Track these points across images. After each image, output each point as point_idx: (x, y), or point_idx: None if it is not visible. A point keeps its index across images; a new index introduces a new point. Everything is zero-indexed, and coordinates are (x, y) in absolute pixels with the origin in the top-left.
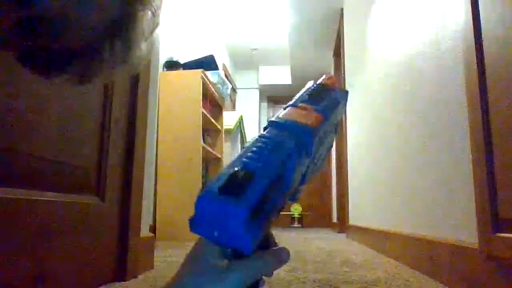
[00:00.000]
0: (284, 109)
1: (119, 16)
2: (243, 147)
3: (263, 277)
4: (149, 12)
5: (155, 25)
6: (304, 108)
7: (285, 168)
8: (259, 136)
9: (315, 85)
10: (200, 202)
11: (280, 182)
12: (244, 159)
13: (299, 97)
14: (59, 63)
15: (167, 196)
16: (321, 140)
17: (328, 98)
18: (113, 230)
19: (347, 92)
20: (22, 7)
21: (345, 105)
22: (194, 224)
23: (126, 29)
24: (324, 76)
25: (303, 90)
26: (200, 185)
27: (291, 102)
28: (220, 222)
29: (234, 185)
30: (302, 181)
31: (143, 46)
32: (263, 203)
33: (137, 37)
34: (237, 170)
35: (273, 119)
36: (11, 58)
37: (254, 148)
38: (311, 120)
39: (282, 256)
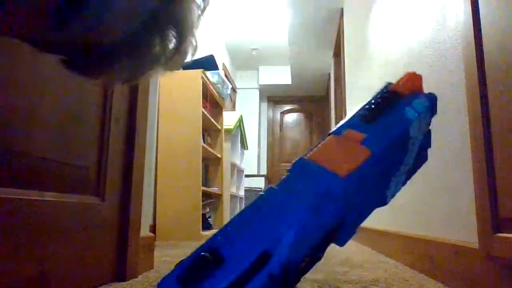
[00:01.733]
0: (329, 134)
1: (168, 2)
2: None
3: None
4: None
5: (204, 8)
6: (348, 139)
7: (275, 252)
8: (256, 199)
9: (380, 93)
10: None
11: (261, 267)
12: (218, 237)
13: (353, 116)
14: (107, 62)
15: (167, 196)
16: (375, 181)
17: (394, 115)
18: (113, 230)
19: (434, 97)
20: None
21: (431, 114)
22: None
23: (176, 17)
24: (402, 77)
25: (367, 100)
26: (200, 185)
27: (340, 124)
28: None
29: (196, 271)
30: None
31: (195, 32)
32: None
33: (188, 24)
34: (204, 254)
35: (302, 156)
36: (10, 58)
37: (237, 219)
38: (348, 163)
39: None
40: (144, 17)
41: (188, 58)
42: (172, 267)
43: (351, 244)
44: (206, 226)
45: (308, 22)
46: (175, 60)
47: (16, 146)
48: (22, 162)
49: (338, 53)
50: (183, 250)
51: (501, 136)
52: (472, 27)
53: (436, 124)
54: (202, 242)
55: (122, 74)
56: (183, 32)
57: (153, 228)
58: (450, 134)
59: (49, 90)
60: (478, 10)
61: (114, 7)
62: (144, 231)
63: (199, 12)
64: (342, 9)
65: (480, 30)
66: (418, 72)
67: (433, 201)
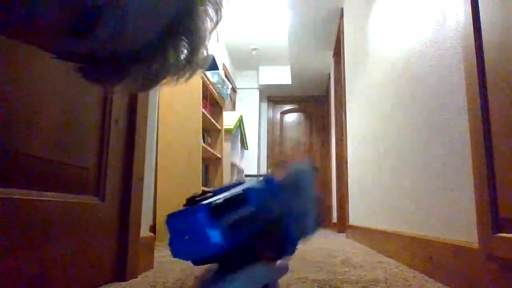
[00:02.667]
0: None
1: (182, 14)
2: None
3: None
4: (212, 9)
5: (217, 21)
6: None
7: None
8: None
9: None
10: (169, 218)
11: (243, 201)
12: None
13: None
14: (122, 71)
15: (167, 196)
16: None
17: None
18: (113, 230)
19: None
20: (77, 6)
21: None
22: (170, 242)
23: (190, 28)
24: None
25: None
26: (200, 185)
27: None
28: (187, 227)
29: (196, 201)
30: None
31: (207, 44)
32: (226, 206)
33: (201, 36)
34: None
35: None
36: (11, 59)
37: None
38: None
39: (280, 266)
40: (158, 29)
41: (200, 69)
42: (172, 267)
43: (351, 244)
44: None
45: (308, 22)
46: (186, 70)
47: (16, 147)
48: (22, 163)
49: (338, 53)
50: None
51: (501, 136)
52: (472, 27)
53: (436, 124)
54: None
55: (136, 83)
56: (196, 43)
57: (153, 228)
58: (450, 134)
59: (49, 91)
60: (478, 10)
61: (129, 21)
62: (144, 231)
63: (212, 25)
64: (342, 9)
65: (480, 30)
66: (417, 72)
67: (433, 201)
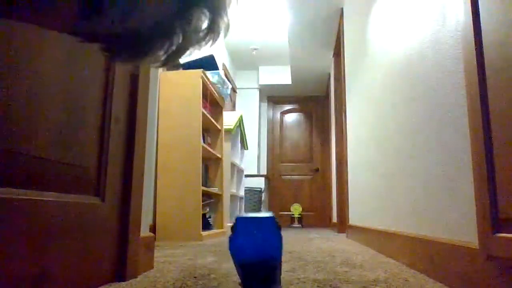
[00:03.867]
0: None
1: None
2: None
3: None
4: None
5: None
6: None
7: None
8: None
9: None
10: (240, 219)
11: None
12: None
13: None
14: (143, 45)
15: (167, 196)
16: None
17: None
18: (113, 230)
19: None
20: None
21: None
22: (235, 241)
23: None
24: None
25: None
26: (200, 185)
27: None
28: (258, 230)
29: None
30: None
31: (228, 10)
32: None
33: (221, 2)
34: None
35: None
36: (11, 59)
37: None
38: None
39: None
40: (173, 2)
41: (221, 37)
42: (172, 267)
43: (351, 244)
44: (206, 226)
45: (308, 22)
46: (208, 39)
47: (16, 146)
48: (22, 162)
49: (338, 53)
50: (184, 250)
51: (501, 136)
52: (472, 27)
53: (436, 124)
54: (202, 242)
55: (159, 57)
56: (216, 11)
57: (153, 228)
58: (450, 134)
59: (49, 91)
60: (478, 10)
61: None
62: (144, 231)
63: None
64: (342, 9)
65: (480, 30)
66: (417, 72)
67: (433, 202)
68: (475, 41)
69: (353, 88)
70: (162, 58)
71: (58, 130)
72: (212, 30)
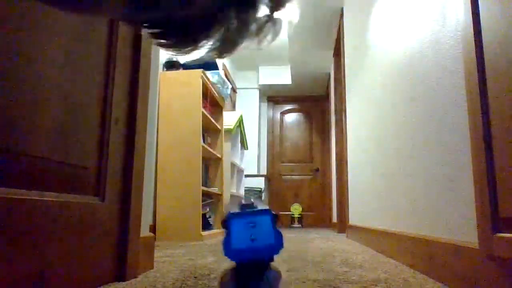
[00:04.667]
0: None
1: None
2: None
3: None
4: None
5: None
6: None
7: None
8: None
9: None
10: (231, 217)
11: None
12: None
13: None
14: (197, 33)
15: (167, 196)
16: None
17: None
18: (113, 230)
19: None
20: None
21: None
22: (228, 241)
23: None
24: None
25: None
26: (200, 185)
27: None
28: (254, 227)
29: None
30: None
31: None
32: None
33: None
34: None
35: None
36: (11, 58)
37: None
38: None
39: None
40: None
41: (280, 30)
42: (172, 267)
43: (351, 244)
44: (206, 226)
45: (308, 22)
46: (267, 30)
47: (16, 146)
48: (22, 162)
49: (338, 53)
50: (184, 250)
51: (501, 136)
52: (472, 27)
53: (436, 124)
54: (202, 242)
55: (215, 46)
56: (276, 2)
57: (153, 228)
58: (450, 134)
59: (50, 91)
60: (478, 10)
61: None
62: (144, 231)
63: None
64: (342, 9)
65: (480, 30)
66: (418, 72)
67: (433, 201)
68: (475, 41)
69: (353, 88)
70: (217, 47)
71: (58, 130)
72: (272, 22)
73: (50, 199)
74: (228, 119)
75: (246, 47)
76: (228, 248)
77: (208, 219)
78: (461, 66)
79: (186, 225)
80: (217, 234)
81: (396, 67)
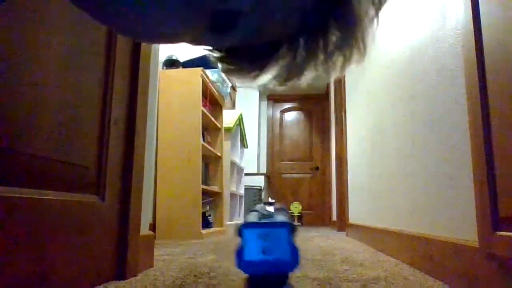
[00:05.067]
0: None
1: (335, 5)
2: None
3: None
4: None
5: (381, 4)
6: None
7: None
8: None
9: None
10: (245, 227)
11: None
12: None
13: None
14: (263, 59)
15: (167, 195)
16: None
17: None
18: (113, 229)
19: None
20: (220, 1)
21: None
22: (242, 252)
23: (342, 13)
24: None
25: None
26: (200, 183)
27: None
28: (270, 239)
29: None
30: None
31: (366, 29)
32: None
33: (355, 26)
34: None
35: None
36: (11, 59)
37: None
38: None
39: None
40: (300, 20)
41: (354, 62)
42: (172, 266)
43: (351, 242)
44: (206, 224)
45: None
46: (334, 60)
47: (16, 145)
48: (23, 161)
49: None
50: (183, 249)
51: (501, 136)
52: (472, 26)
53: (436, 121)
54: (202, 240)
55: (281, 73)
56: (348, 30)
57: (153, 227)
58: (450, 133)
59: (50, 91)
60: (478, 9)
61: (269, 20)
62: (144, 230)
63: (374, 11)
64: None
65: (480, 28)
66: (418, 72)
67: (433, 200)
68: (475, 40)
69: (353, 86)
70: (284, 74)
71: (58, 129)
72: (341, 52)
73: (50, 198)
74: (228, 118)
75: (313, 75)
76: (239, 259)
77: (208, 217)
78: (461, 65)
79: (186, 224)
80: (217, 232)
81: (396, 66)
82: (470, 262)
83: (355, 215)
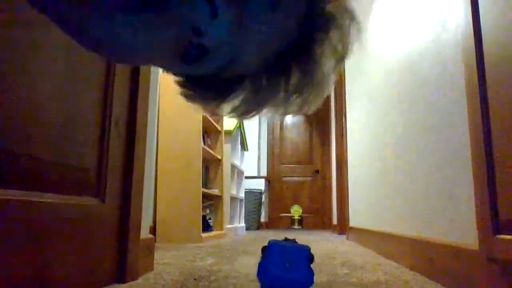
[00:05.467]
0: None
1: (298, 43)
2: None
3: None
4: (339, 33)
5: (343, 56)
6: None
7: None
8: None
9: None
10: (273, 245)
11: None
12: None
13: None
14: (225, 91)
15: (167, 198)
16: None
17: None
18: (113, 232)
19: None
20: (195, 35)
21: None
22: (264, 265)
23: (305, 58)
24: None
25: None
26: (200, 186)
27: None
28: (290, 258)
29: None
30: None
31: (329, 73)
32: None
33: (316, 65)
34: None
35: None
36: (11, 60)
37: None
38: None
39: None
40: (266, 60)
41: (317, 103)
42: (172, 269)
43: (352, 246)
44: (206, 227)
45: None
46: (293, 100)
47: (16, 148)
48: (23, 164)
49: None
50: (184, 252)
51: (501, 137)
52: (472, 29)
53: (436, 125)
54: (202, 244)
55: (240, 107)
56: (307, 76)
57: (153, 230)
58: (450, 135)
59: (50, 92)
60: (478, 11)
61: (239, 56)
62: (144, 233)
63: (335, 59)
64: None
65: (480, 31)
66: (418, 73)
67: (433, 203)
68: (475, 42)
69: (353, 90)
70: (241, 108)
71: (58, 132)
72: (300, 93)
73: (50, 200)
74: (228, 121)
75: (269, 113)
76: (262, 271)
77: (208, 220)
78: (461, 66)
79: (186, 227)
80: (217, 236)
81: (396, 69)
82: (471, 266)
83: (355, 219)
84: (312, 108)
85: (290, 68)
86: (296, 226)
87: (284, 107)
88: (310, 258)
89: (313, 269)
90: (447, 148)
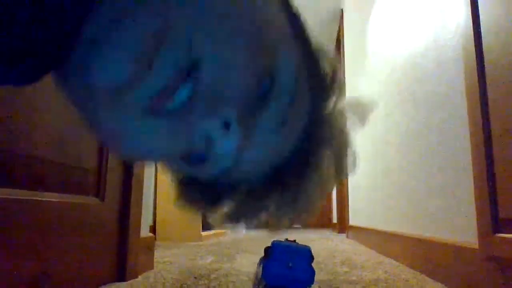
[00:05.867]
0: None
1: (289, 165)
2: None
3: None
4: (331, 151)
5: (342, 169)
6: None
7: None
8: None
9: None
10: (277, 245)
11: None
12: None
13: None
14: (219, 197)
15: (167, 197)
16: None
17: None
18: (113, 231)
19: None
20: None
21: None
22: (269, 264)
23: (298, 176)
24: None
25: None
26: None
27: None
28: (293, 258)
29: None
30: None
31: (316, 194)
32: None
33: (308, 186)
34: None
35: None
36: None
37: None
38: None
39: None
40: (263, 173)
41: (300, 221)
42: (172, 268)
43: (351, 244)
44: (206, 226)
45: (308, 23)
46: (283, 214)
47: (16, 147)
48: (23, 163)
49: (338, 53)
50: (184, 251)
51: (501, 137)
52: (472, 29)
53: (436, 125)
54: (202, 242)
55: (232, 211)
56: (300, 197)
57: (153, 229)
58: (450, 134)
59: (50, 92)
60: (478, 11)
61: (239, 169)
62: (144, 232)
63: (334, 168)
64: (342, 10)
65: (480, 31)
66: (418, 73)
67: (433, 202)
68: (475, 42)
69: (353, 89)
70: (235, 216)
71: (59, 131)
72: (290, 210)
73: (50, 199)
74: None
75: (261, 221)
76: (265, 270)
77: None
78: (461, 67)
79: (186, 226)
80: (217, 234)
81: (397, 69)
82: (471, 264)
83: (355, 217)
84: (303, 219)
85: (286, 181)
86: (295, 225)
87: (276, 218)
88: (311, 258)
89: (314, 268)
90: (448, 147)
